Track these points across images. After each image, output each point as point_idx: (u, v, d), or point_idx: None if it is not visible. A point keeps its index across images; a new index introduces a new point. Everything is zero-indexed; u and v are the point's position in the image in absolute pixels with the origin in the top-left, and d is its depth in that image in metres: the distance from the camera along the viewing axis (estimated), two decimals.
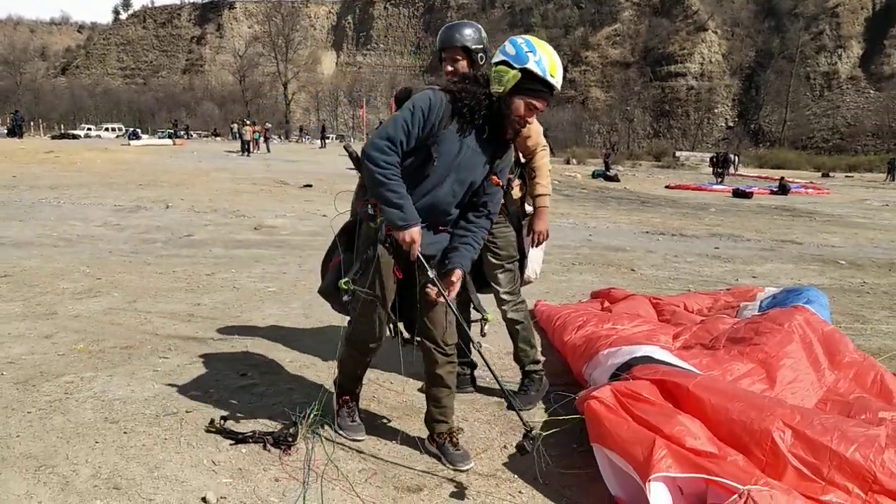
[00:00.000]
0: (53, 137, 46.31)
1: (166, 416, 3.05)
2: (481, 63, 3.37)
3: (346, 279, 2.77)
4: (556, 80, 2.60)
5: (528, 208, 3.59)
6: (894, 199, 24.32)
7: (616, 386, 2.82)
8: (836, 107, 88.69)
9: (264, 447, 2.81)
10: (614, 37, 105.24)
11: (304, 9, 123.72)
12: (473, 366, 3.74)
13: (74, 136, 46.88)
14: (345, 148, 3.22)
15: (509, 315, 3.53)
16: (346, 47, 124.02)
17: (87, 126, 59.91)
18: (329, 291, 2.96)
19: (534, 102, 2.61)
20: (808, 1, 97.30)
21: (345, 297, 2.80)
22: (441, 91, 2.67)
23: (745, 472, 2.29)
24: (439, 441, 2.89)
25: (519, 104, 2.60)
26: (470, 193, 2.77)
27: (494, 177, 2.77)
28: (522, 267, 3.59)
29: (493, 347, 4.24)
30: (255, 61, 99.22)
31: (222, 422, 2.96)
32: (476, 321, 2.91)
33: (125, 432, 2.88)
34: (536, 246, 3.59)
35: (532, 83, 2.57)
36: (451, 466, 2.80)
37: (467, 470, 2.78)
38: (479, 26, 3.43)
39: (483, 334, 2.93)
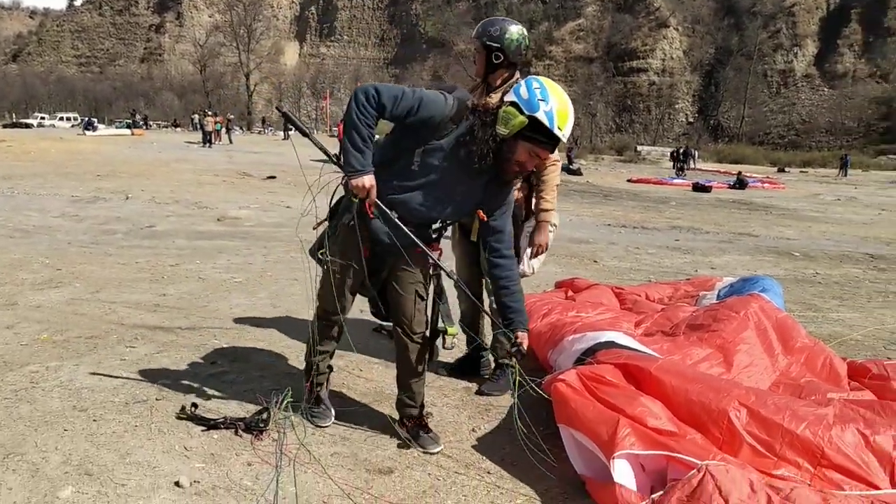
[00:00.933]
0: (4, 126, 44.99)
1: (136, 404, 3.05)
2: (497, 61, 3.40)
3: (324, 250, 2.78)
4: (564, 134, 2.58)
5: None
6: (846, 194, 25.10)
7: (581, 370, 2.91)
8: (791, 104, 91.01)
9: (236, 433, 2.84)
10: (578, 32, 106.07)
11: None
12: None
13: (27, 126, 45.63)
14: (277, 108, 3.11)
15: (494, 305, 3.60)
16: (309, 38, 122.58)
17: (40, 115, 58.27)
18: (313, 253, 2.94)
19: (538, 152, 2.61)
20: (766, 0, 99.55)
21: (322, 265, 2.82)
22: (459, 103, 2.63)
23: (703, 448, 2.40)
24: (409, 425, 2.95)
25: (521, 151, 2.59)
26: (455, 218, 2.80)
27: (480, 210, 2.77)
28: (517, 262, 3.65)
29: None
30: (217, 51, 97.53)
31: (193, 408, 2.97)
32: (440, 333, 2.96)
33: (94, 420, 2.87)
34: (535, 257, 3.66)
35: (538, 133, 2.55)
36: (421, 449, 2.86)
37: (437, 452, 2.85)
38: (512, 27, 3.41)
39: (445, 347, 2.97)
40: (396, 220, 2.66)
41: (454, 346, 3.02)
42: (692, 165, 39.29)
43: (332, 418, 3.07)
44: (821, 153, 68.12)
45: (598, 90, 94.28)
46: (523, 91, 2.56)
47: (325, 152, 2.71)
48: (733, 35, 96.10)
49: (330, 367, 3.20)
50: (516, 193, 3.54)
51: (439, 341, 3.02)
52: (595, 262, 8.44)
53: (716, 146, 71.96)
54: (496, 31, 3.38)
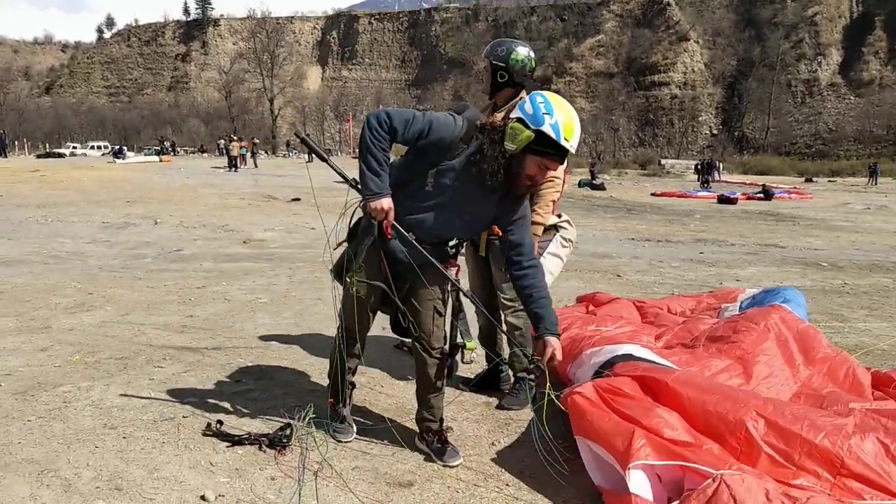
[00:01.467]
0: (38, 156, 46.16)
1: (164, 422, 3.14)
2: (501, 80, 3.49)
3: (350, 273, 2.84)
4: (571, 145, 2.62)
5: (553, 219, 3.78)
6: (875, 203, 24.70)
7: (598, 382, 2.93)
8: (817, 113, 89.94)
9: (260, 448, 2.91)
10: (598, 48, 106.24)
11: (288, 25, 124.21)
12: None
13: (60, 155, 46.77)
14: (296, 134, 3.17)
15: (509, 319, 3.65)
16: (331, 62, 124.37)
17: (72, 144, 59.79)
18: (334, 273, 3.00)
19: (546, 163, 2.65)
20: (787, 10, 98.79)
21: (351, 290, 2.88)
22: (468, 124, 2.69)
23: (719, 458, 2.41)
24: (429, 439, 3.00)
25: (531, 164, 2.63)
26: (471, 235, 2.89)
27: (495, 226, 2.84)
28: None
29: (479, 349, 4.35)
30: (241, 77, 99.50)
31: (218, 425, 3.05)
32: (459, 347, 3.00)
33: (124, 437, 2.96)
34: None
35: (545, 146, 2.60)
36: (441, 462, 2.90)
37: (457, 466, 2.88)
38: (519, 48, 3.50)
39: (464, 361, 3.01)
40: (413, 240, 2.74)
41: (473, 361, 3.07)
42: (717, 178, 38.97)
43: (354, 434, 3.12)
44: (849, 162, 67.11)
45: (620, 105, 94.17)
46: (528, 106, 2.63)
47: (343, 176, 2.79)
48: (755, 46, 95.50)
49: (352, 384, 3.26)
50: None
51: (458, 356, 3.07)
52: (618, 276, 8.43)
53: (741, 158, 71.37)
54: (503, 51, 3.49)
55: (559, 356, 2.81)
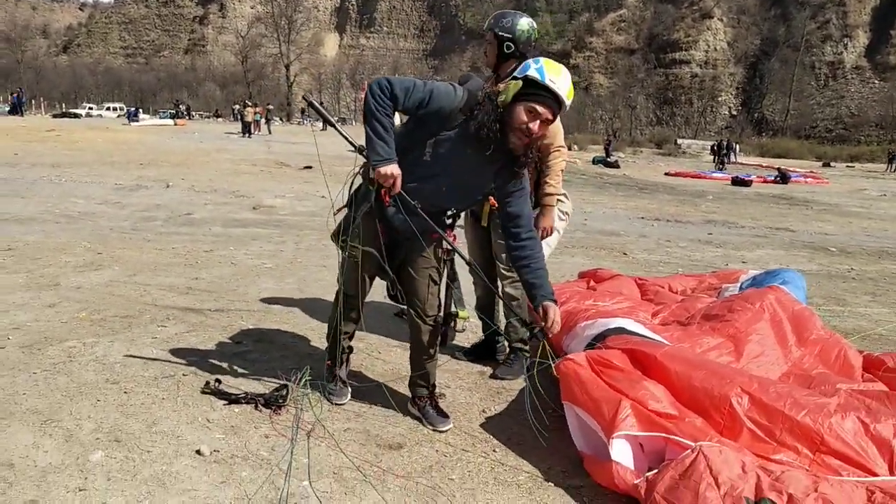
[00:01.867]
0: (55, 116, 46.37)
1: (164, 379, 3.22)
2: (507, 51, 3.49)
3: (344, 237, 2.89)
4: (559, 86, 2.64)
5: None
6: (892, 190, 24.43)
7: (590, 353, 2.98)
8: (840, 97, 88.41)
9: (256, 407, 2.98)
10: (619, 23, 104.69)
11: None
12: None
13: (76, 115, 46.96)
14: (304, 98, 3.18)
15: (507, 289, 3.69)
16: (349, 30, 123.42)
17: (88, 105, 59.98)
18: (333, 238, 3.06)
19: (534, 106, 2.63)
20: None
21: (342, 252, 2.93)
22: (469, 94, 2.72)
23: (701, 431, 2.46)
24: (420, 404, 3.07)
25: (520, 110, 2.63)
26: (469, 205, 2.90)
27: (492, 197, 2.83)
28: None
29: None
30: (258, 42, 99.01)
31: (217, 384, 3.13)
32: (453, 316, 3.06)
33: (125, 392, 3.05)
34: (542, 240, 3.74)
35: (533, 88, 2.63)
36: (431, 427, 2.98)
37: (446, 430, 2.96)
38: (522, 19, 3.52)
39: (457, 330, 3.05)
40: (416, 206, 2.76)
41: (465, 330, 3.11)
42: (733, 159, 38.56)
43: (349, 396, 3.20)
44: (869, 147, 66.16)
45: (639, 82, 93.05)
46: (521, 66, 2.74)
47: (351, 142, 2.83)
48: (780, 26, 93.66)
49: (350, 348, 3.33)
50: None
51: (452, 325, 3.12)
52: (625, 254, 8.44)
53: (759, 140, 70.49)
54: (508, 22, 3.49)
55: (559, 323, 2.84)
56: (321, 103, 3.02)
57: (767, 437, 2.52)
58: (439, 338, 3.10)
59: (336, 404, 3.13)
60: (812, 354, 3.52)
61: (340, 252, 3.01)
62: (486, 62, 3.63)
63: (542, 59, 2.69)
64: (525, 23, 3.51)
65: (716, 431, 2.52)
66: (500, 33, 3.48)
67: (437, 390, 3.13)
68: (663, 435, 2.42)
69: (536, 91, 2.63)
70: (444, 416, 3.02)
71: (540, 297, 2.85)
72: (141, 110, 51.73)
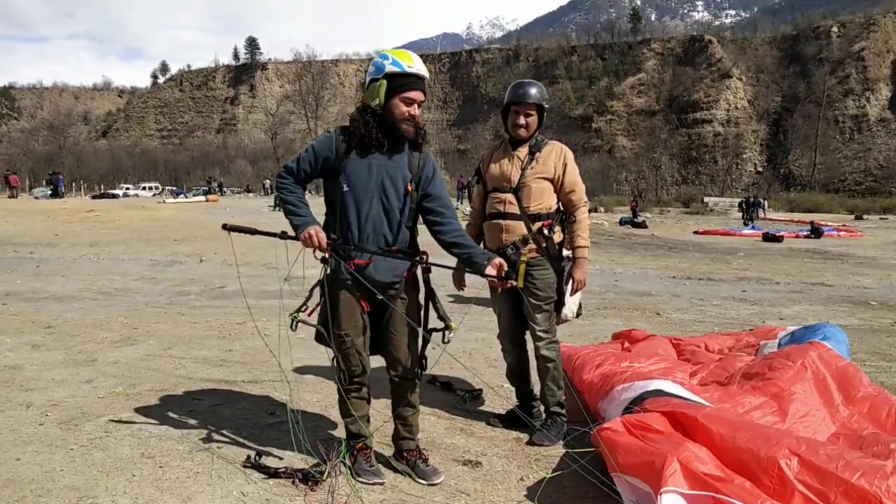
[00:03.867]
0: (93, 197, 47.90)
1: (199, 452, 3.22)
2: (543, 121, 3.68)
3: (293, 312, 3.05)
4: (416, 68, 2.91)
5: (566, 252, 3.76)
6: None
7: (627, 418, 2.91)
8: (867, 149, 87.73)
9: (293, 483, 2.94)
10: (639, 86, 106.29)
11: (333, 67, 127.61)
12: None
13: (113, 196, 48.47)
14: (223, 227, 3.30)
15: (542, 352, 3.66)
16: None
17: (125, 186, 61.95)
18: (317, 337, 3.20)
19: (407, 95, 2.90)
20: (833, 45, 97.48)
21: (291, 327, 3.07)
22: (335, 130, 3.02)
23: (751, 494, 2.36)
24: (409, 458, 3.13)
25: (397, 103, 2.90)
26: (411, 209, 3.02)
27: (409, 184, 3.00)
28: (560, 307, 3.72)
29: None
30: (286, 119, 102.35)
31: (257, 457, 3.11)
32: (440, 330, 3.13)
33: (160, 466, 3.04)
34: (574, 293, 3.75)
35: (398, 80, 2.88)
36: (422, 481, 3.02)
37: (438, 483, 3.00)
38: (542, 86, 3.71)
39: (445, 341, 3.11)
40: (369, 254, 2.94)
41: (449, 342, 3.08)
42: (762, 215, 38.22)
43: (382, 475, 3.06)
44: None
45: (662, 143, 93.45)
46: (371, 69, 2.98)
47: (271, 234, 3.09)
48: (800, 82, 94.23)
49: (368, 425, 3.23)
50: (556, 237, 3.63)
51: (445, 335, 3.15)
52: (658, 314, 8.32)
53: (787, 195, 69.86)
54: (544, 92, 3.67)
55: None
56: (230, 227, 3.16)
57: (822, 502, 2.40)
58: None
59: (371, 484, 3.01)
60: (861, 413, 3.39)
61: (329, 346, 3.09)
62: (524, 134, 3.64)
63: (388, 52, 2.94)
64: (543, 88, 3.69)
65: (766, 495, 2.42)
66: (546, 105, 3.65)
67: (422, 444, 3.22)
68: (714, 495, 2.33)
69: (403, 81, 2.89)
70: (434, 470, 3.07)
71: (480, 256, 2.98)
72: (183, 189, 53.64)
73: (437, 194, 3.06)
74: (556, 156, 3.64)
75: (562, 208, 3.70)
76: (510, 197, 3.61)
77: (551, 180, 3.62)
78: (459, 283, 3.94)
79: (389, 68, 2.87)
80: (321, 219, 3.08)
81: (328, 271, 3.00)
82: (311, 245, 2.87)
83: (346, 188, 2.94)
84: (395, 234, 3.01)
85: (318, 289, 3.10)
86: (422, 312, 3.14)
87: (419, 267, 3.08)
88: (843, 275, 13.42)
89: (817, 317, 8.15)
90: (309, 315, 3.12)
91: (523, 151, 3.66)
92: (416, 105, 2.93)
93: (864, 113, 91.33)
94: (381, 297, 2.96)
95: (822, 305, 9.25)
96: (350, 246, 2.95)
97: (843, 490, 2.41)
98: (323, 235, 2.89)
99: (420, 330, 3.10)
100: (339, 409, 3.19)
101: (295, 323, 3.04)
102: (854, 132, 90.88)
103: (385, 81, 2.88)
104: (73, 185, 63.75)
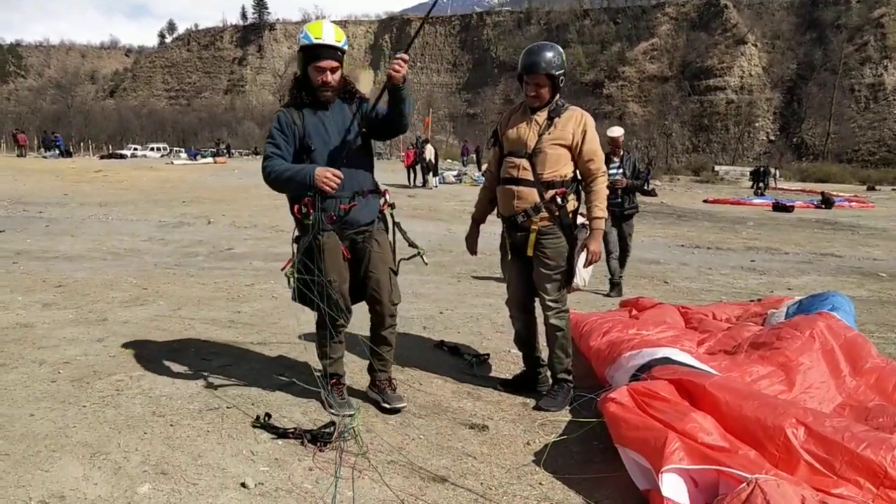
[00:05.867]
0: (102, 157, 47.91)
1: (209, 412, 3.25)
2: (561, 85, 3.57)
3: (286, 268, 3.25)
4: (324, 38, 3.15)
5: (581, 219, 3.72)
6: None
7: (633, 386, 2.92)
8: (882, 119, 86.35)
9: (302, 443, 2.98)
10: (651, 51, 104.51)
11: (342, 28, 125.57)
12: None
13: (121, 156, 48.44)
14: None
15: (552, 321, 3.66)
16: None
17: (133, 146, 61.80)
18: (294, 297, 3.37)
19: (317, 65, 3.18)
20: (852, 11, 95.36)
21: (289, 285, 3.28)
22: (282, 107, 3.32)
23: (755, 464, 2.38)
24: (380, 386, 3.47)
25: (312, 72, 3.20)
26: (369, 149, 3.40)
27: (361, 128, 3.29)
28: (571, 276, 3.70)
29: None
30: None
31: (266, 418, 3.14)
32: (411, 257, 3.48)
33: (171, 425, 3.08)
34: (588, 265, 3.72)
35: (309, 51, 3.17)
36: (388, 405, 3.37)
37: (402, 408, 3.37)
38: (560, 49, 3.60)
39: (425, 263, 3.45)
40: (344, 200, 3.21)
41: (428, 264, 3.43)
42: (773, 185, 37.86)
43: (352, 407, 3.33)
44: None
45: (674, 110, 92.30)
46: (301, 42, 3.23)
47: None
48: (816, 49, 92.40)
49: (343, 362, 3.53)
50: (570, 204, 3.59)
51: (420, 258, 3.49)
52: (666, 282, 8.32)
53: (799, 164, 69.08)
54: (555, 59, 3.53)
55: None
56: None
57: (826, 471, 2.42)
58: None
59: (342, 415, 3.23)
60: (868, 384, 3.40)
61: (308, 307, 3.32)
62: (538, 102, 3.57)
63: (305, 27, 3.22)
64: (561, 53, 3.57)
65: (771, 464, 2.43)
66: (556, 73, 3.50)
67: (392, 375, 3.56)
68: (716, 468, 2.35)
69: (313, 52, 3.17)
70: (399, 395, 3.46)
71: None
72: (200, 150, 54.11)
73: (382, 109, 3.31)
74: (576, 122, 3.54)
75: (579, 177, 3.63)
76: (524, 162, 3.54)
77: (569, 147, 3.53)
78: (473, 247, 3.95)
79: (302, 41, 3.19)
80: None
81: (311, 224, 3.18)
82: (326, 181, 3.04)
83: (313, 147, 3.21)
84: (364, 176, 3.31)
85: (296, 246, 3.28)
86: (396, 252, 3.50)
87: (386, 204, 3.43)
88: (854, 246, 13.35)
89: (826, 287, 8.10)
90: (283, 270, 3.35)
91: (542, 116, 3.56)
92: (327, 73, 3.19)
93: (881, 82, 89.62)
94: (361, 240, 3.31)
95: (831, 276, 9.22)
96: (372, 225, 3.32)
97: (848, 460, 2.42)
98: (332, 170, 3.08)
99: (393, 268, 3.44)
100: (317, 352, 3.43)
101: (293, 282, 3.25)
102: (870, 101, 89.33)
103: (301, 54, 3.22)
104: (82, 144, 63.65)
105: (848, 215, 21.88)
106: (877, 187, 45.20)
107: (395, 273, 3.43)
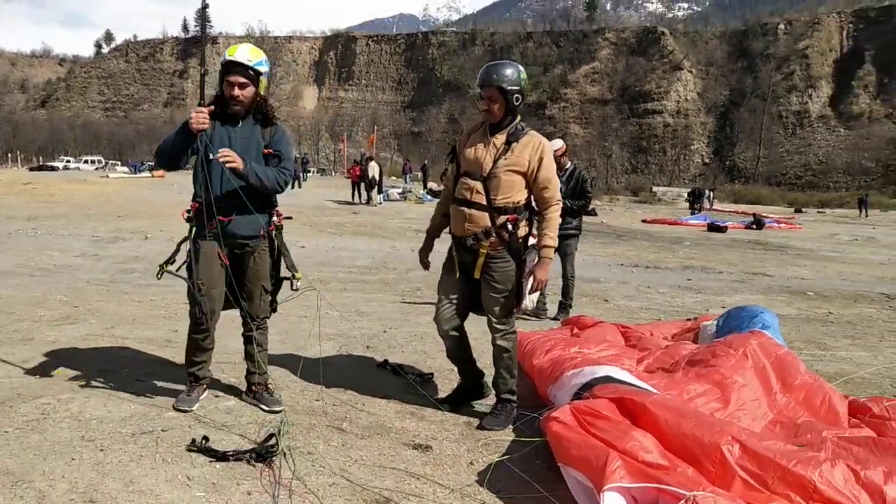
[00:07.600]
0: (31, 169, 46.07)
1: (142, 435, 3.13)
2: (517, 103, 3.52)
3: (161, 263, 3.61)
4: (236, 56, 3.41)
5: (532, 240, 3.73)
6: (863, 234, 24.93)
7: (576, 404, 2.96)
8: (808, 144, 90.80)
9: (248, 462, 2.89)
10: (592, 74, 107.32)
11: (286, 44, 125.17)
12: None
13: (53, 168, 46.70)
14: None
15: (499, 342, 3.66)
16: (328, 82, 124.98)
17: (65, 158, 59.67)
18: (189, 294, 3.60)
19: (227, 79, 3.43)
20: (780, 42, 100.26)
21: (157, 277, 3.67)
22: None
23: (693, 481, 2.43)
24: (257, 391, 3.66)
25: (225, 87, 3.45)
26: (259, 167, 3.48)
27: (266, 150, 3.56)
28: (519, 299, 3.70)
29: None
30: None
31: (204, 441, 3.04)
32: (286, 279, 3.66)
33: (101, 450, 2.95)
34: (533, 292, 3.75)
35: (224, 68, 3.45)
36: (266, 409, 3.55)
37: (280, 411, 3.49)
38: (520, 68, 3.57)
39: (294, 289, 3.58)
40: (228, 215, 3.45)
41: (298, 290, 3.57)
42: (706, 205, 39.23)
43: (195, 405, 3.52)
44: (838, 193, 67.75)
45: (614, 132, 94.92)
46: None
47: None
48: (747, 77, 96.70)
49: (204, 364, 3.70)
50: (521, 230, 3.61)
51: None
52: (606, 301, 8.48)
53: (732, 186, 71.87)
54: (513, 74, 3.51)
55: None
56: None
57: (760, 486, 2.49)
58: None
59: (180, 410, 3.44)
60: (797, 401, 3.53)
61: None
62: (490, 117, 3.54)
63: (232, 47, 3.50)
64: (521, 70, 3.55)
65: (708, 481, 2.49)
66: (509, 87, 3.46)
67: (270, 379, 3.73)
68: (656, 486, 2.39)
69: (226, 69, 3.44)
70: (277, 399, 3.64)
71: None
72: (146, 162, 52.71)
73: (279, 151, 3.57)
74: (534, 148, 3.51)
75: (532, 203, 3.62)
76: (479, 186, 3.50)
77: (524, 174, 3.50)
78: (425, 261, 4.00)
79: (223, 59, 3.45)
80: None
81: (194, 229, 3.50)
82: (200, 121, 3.28)
83: (211, 156, 3.37)
84: (251, 194, 3.42)
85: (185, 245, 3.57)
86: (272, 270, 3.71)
87: (273, 225, 3.62)
88: (783, 266, 13.91)
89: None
90: (178, 271, 3.61)
91: (500, 139, 3.53)
92: (235, 87, 3.42)
93: (805, 109, 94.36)
94: (240, 253, 3.55)
95: (762, 295, 9.57)
96: (252, 241, 3.54)
97: (780, 475, 2.50)
98: (200, 109, 3.32)
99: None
100: (185, 356, 3.66)
101: (160, 273, 3.61)
102: (796, 127, 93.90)
103: (220, 70, 3.47)
104: (9, 155, 61.04)
105: (778, 236, 22.82)
106: (803, 209, 47.38)
107: (267, 291, 3.69)
